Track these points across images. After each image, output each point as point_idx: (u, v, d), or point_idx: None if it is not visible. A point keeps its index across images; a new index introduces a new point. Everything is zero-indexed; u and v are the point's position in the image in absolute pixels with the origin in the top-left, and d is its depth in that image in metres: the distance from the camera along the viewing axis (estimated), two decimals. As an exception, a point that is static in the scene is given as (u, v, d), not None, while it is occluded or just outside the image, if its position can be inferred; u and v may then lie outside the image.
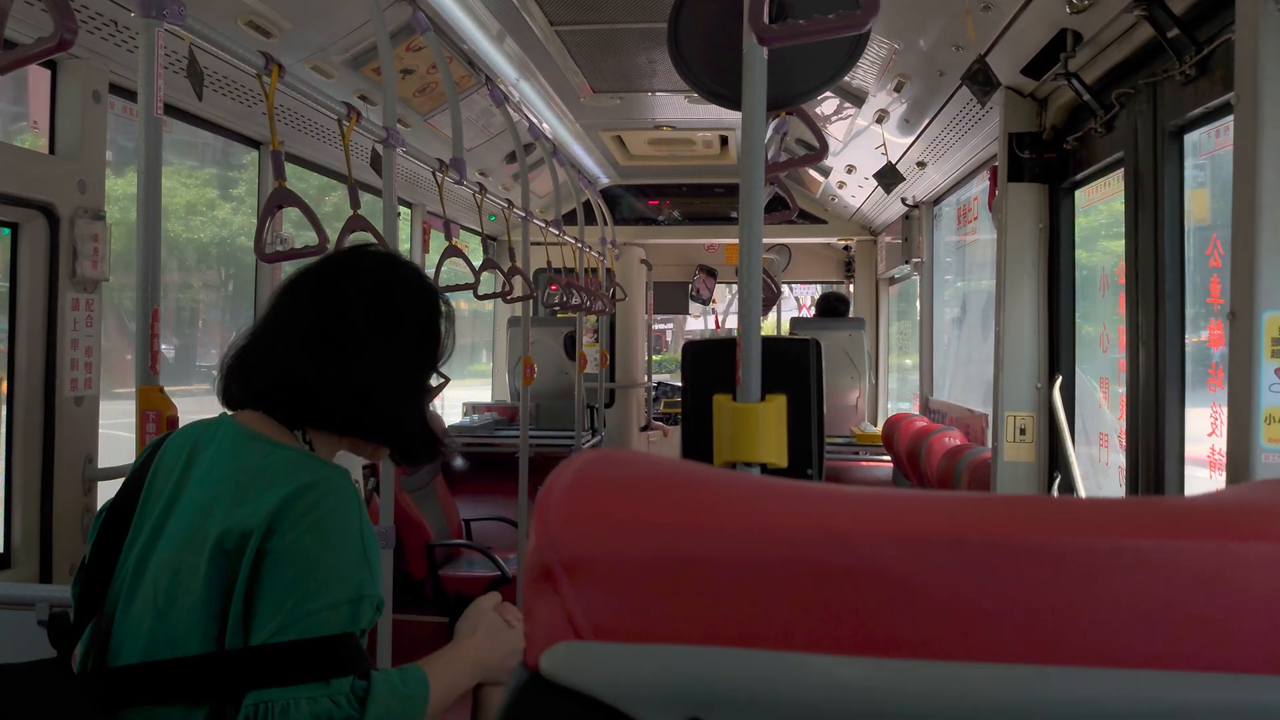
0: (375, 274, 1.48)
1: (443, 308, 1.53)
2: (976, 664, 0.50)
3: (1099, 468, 3.22)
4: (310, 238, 2.34)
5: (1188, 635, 0.50)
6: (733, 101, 1.86)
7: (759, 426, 1.45)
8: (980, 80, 3.08)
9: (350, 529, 1.27)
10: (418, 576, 4.65)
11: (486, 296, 4.33)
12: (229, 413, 1.44)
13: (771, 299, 7.22)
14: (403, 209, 5.17)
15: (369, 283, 1.46)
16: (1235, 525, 0.52)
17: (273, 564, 1.21)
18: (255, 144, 3.76)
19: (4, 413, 2.56)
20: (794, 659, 0.51)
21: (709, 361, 1.74)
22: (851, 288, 7.40)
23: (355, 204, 2.71)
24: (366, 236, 2.74)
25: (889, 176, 4.67)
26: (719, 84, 1.88)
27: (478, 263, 4.31)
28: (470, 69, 3.88)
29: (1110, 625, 0.50)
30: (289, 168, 3.99)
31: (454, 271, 4.26)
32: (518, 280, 4.47)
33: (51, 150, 2.68)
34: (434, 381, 1.53)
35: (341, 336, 1.40)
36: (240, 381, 1.42)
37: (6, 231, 2.58)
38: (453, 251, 3.78)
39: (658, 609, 0.53)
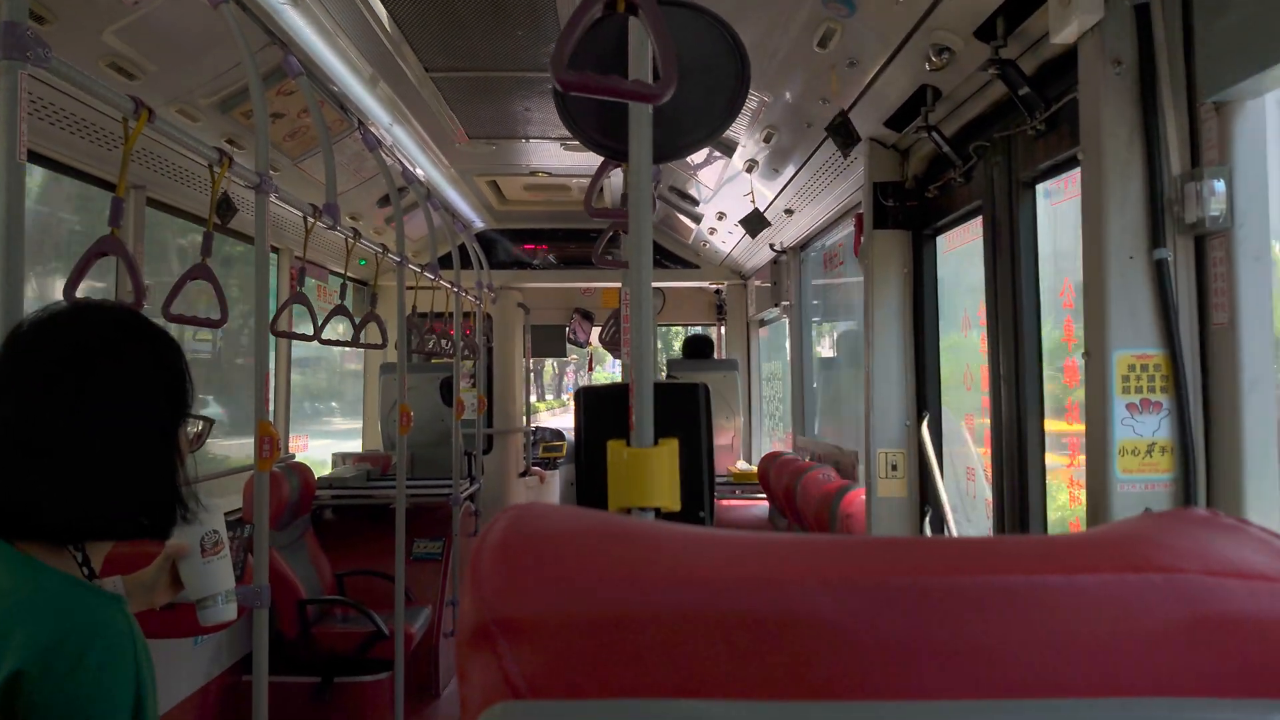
0: (97, 334, 1.22)
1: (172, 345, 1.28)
2: (908, 702, 0.52)
3: (966, 500, 3.36)
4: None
5: (1098, 663, 0.53)
6: (618, 153, 1.90)
7: (654, 471, 1.47)
8: (842, 133, 3.23)
9: (123, 679, 1.14)
10: (289, 635, 4.46)
11: (330, 343, 4.21)
12: None
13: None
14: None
15: (88, 346, 1.20)
16: (1130, 558, 0.56)
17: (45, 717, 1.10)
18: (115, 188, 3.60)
19: None
20: (731, 707, 0.52)
21: (602, 407, 1.75)
22: (723, 329, 7.56)
23: (206, 252, 2.62)
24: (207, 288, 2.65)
25: (755, 223, 4.82)
26: (604, 136, 1.91)
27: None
28: (342, 113, 3.83)
29: (1028, 658, 0.53)
30: (152, 213, 3.85)
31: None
32: (372, 326, 4.38)
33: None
34: (192, 428, 1.31)
35: (51, 425, 1.16)
36: None
37: None
38: (297, 298, 3.65)
39: (596, 664, 0.53)
